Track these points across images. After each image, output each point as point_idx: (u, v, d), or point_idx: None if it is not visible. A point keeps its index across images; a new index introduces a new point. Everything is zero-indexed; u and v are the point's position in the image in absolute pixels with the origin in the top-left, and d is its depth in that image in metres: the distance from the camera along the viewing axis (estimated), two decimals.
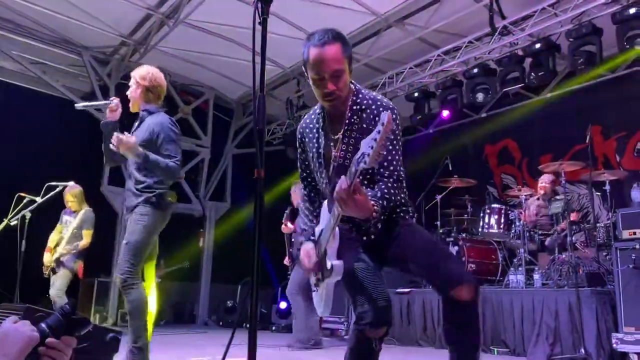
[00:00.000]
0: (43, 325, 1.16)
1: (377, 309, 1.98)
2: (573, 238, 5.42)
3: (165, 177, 3.37)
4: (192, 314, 9.52)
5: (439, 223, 6.84)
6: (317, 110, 2.26)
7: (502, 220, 6.13)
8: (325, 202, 2.22)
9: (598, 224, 5.58)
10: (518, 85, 6.63)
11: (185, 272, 8.68)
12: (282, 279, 8.54)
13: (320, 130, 2.20)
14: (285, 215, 6.16)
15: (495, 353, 5.03)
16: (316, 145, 2.20)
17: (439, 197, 6.93)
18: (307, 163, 2.32)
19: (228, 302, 9.11)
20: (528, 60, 6.52)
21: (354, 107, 2.13)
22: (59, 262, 5.28)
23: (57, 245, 5.39)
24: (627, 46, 5.58)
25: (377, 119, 2.02)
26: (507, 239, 6.17)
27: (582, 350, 4.44)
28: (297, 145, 2.34)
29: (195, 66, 8.72)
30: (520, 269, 5.54)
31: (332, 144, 2.15)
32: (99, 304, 8.15)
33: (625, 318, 4.33)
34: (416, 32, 7.17)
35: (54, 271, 5.29)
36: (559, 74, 6.92)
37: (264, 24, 1.64)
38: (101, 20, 7.51)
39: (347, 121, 2.12)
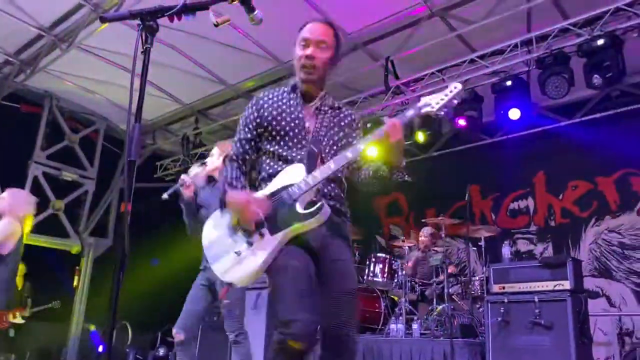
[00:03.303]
0: None
1: (308, 323, 1.95)
2: (450, 290, 5.70)
3: None
4: (59, 359, 8.69)
5: None
6: (286, 90, 2.39)
7: (387, 270, 6.31)
8: (297, 164, 2.20)
9: (473, 278, 5.92)
10: (407, 143, 7.00)
11: (55, 313, 7.96)
12: (163, 323, 8.10)
13: (296, 103, 2.32)
14: None
15: None
16: (292, 116, 2.29)
17: None
18: (255, 138, 2.33)
19: (100, 347, 8.45)
20: (417, 120, 6.93)
21: (326, 101, 2.38)
22: None
23: None
24: (502, 114, 6.12)
25: (341, 119, 2.38)
26: (390, 288, 6.34)
27: None
28: (252, 118, 2.34)
29: (87, 93, 8.31)
30: (400, 318, 5.69)
31: (305, 119, 2.30)
32: None
33: None
34: None
35: None
36: (444, 135, 7.43)
37: (146, 53, 1.59)
38: None
39: (318, 105, 2.34)
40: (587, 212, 6.70)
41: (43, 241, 8.27)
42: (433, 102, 2.18)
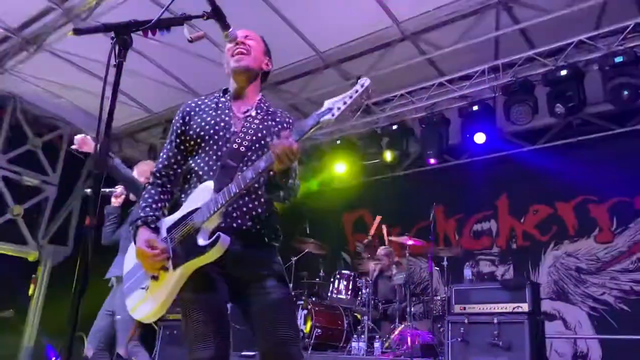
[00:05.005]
0: None
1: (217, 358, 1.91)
2: (412, 309, 5.75)
3: None
4: None
5: (291, 285, 6.86)
6: (217, 94, 2.28)
7: (351, 287, 6.33)
8: (206, 183, 2.00)
9: (435, 297, 5.99)
10: (375, 160, 7.10)
11: (8, 322, 7.69)
12: None
13: (225, 107, 2.19)
14: None
15: None
16: (217, 119, 2.14)
17: (294, 259, 7.01)
18: (181, 146, 2.15)
19: None
20: (385, 139, 7.04)
21: (260, 105, 2.23)
22: None
23: None
24: (468, 137, 6.27)
25: (277, 123, 2.19)
26: (353, 305, 6.35)
27: None
28: (177, 126, 2.18)
29: (53, 97, 8.12)
30: (363, 336, 5.70)
31: (232, 121, 2.14)
32: None
33: None
34: (288, 100, 7.43)
35: None
36: (411, 155, 7.54)
37: (118, 67, 1.58)
38: None
39: (253, 110, 2.18)
40: (547, 236, 6.87)
41: None
42: (335, 107, 1.83)
